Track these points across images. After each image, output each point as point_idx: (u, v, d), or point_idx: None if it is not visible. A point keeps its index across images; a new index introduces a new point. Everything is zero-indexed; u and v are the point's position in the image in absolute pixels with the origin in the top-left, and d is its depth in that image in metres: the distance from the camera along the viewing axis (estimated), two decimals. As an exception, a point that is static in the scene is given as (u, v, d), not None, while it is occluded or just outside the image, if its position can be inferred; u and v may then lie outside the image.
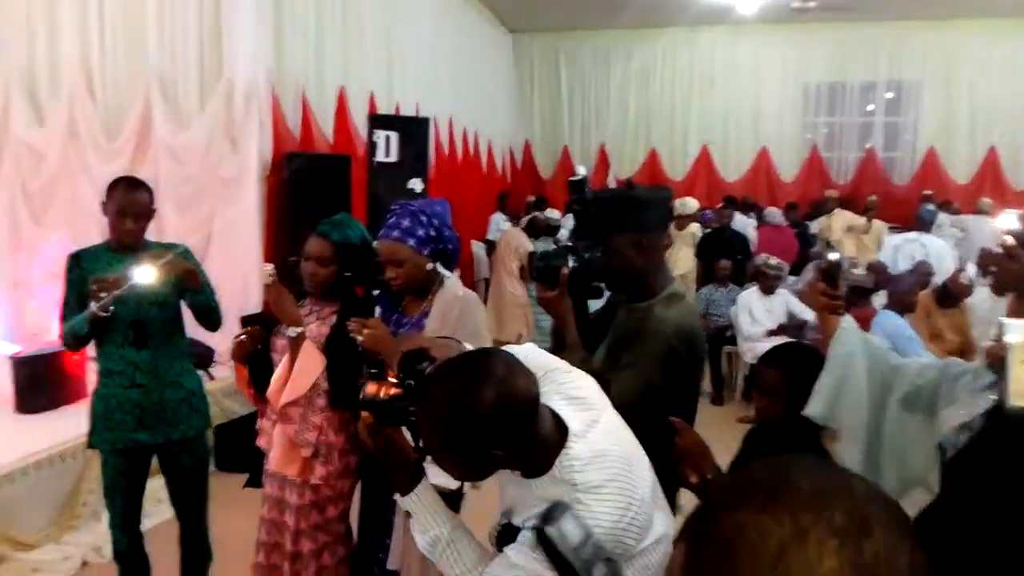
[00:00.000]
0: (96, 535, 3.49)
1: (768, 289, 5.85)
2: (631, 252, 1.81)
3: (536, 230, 6.95)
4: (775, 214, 8.50)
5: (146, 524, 2.82)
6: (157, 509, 3.39)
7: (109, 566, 3.28)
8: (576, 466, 1.26)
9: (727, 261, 6.55)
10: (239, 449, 4.25)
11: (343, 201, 5.32)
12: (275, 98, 5.20)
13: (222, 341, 4.24)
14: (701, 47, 11.75)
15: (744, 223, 8.38)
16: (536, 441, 1.26)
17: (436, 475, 1.40)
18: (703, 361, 1.93)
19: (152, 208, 2.64)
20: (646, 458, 1.40)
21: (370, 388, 1.36)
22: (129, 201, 2.55)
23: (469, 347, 1.54)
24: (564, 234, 6.95)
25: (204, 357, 4.80)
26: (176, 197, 5.29)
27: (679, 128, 12.06)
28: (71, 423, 3.99)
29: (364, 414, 1.38)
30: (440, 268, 2.28)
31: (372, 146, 5.76)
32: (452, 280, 2.27)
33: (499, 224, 9.22)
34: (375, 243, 2.36)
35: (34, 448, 3.58)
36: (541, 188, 11.53)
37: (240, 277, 5.03)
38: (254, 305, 5.10)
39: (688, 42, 11.75)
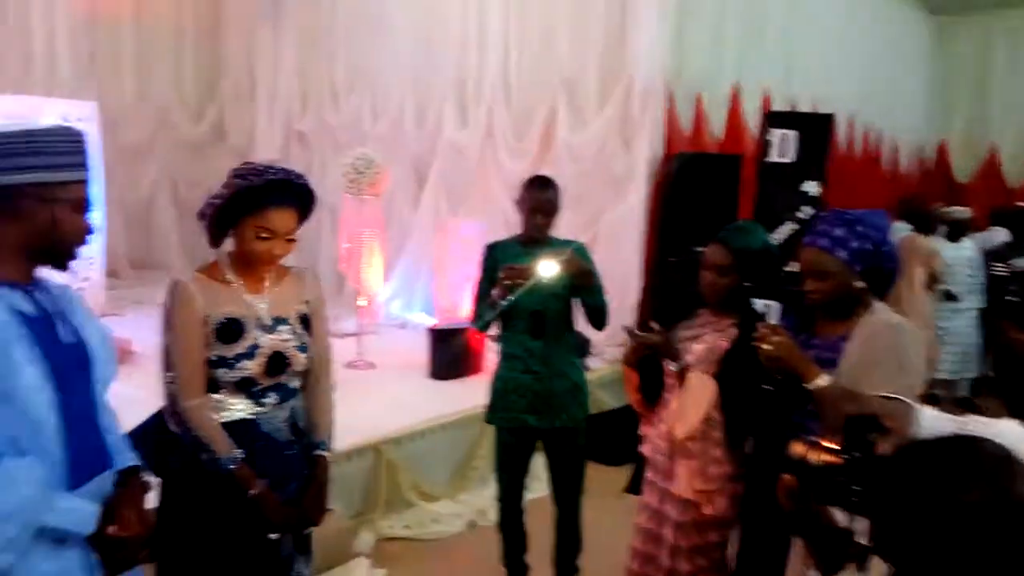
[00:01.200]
0: (482, 500, 3.84)
1: None
2: None
3: (928, 223, 5.64)
4: None
5: (527, 496, 2.97)
6: (539, 485, 3.60)
7: (492, 530, 3.59)
8: None
9: None
10: (608, 442, 4.35)
11: (731, 203, 5.11)
12: (670, 96, 5.20)
13: (597, 332, 4.38)
14: None
15: None
16: None
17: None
18: None
19: (559, 205, 2.76)
20: None
21: (798, 448, 1.17)
22: (540, 199, 2.69)
23: (926, 418, 1.25)
24: (969, 245, 5.65)
25: (580, 348, 5.02)
26: (570, 194, 5.62)
27: None
28: (471, 393, 4.47)
29: (787, 476, 1.20)
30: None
31: (765, 145, 5.44)
32: (880, 304, 1.94)
33: (900, 233, 8.11)
34: (770, 246, 2.16)
35: (441, 411, 4.07)
36: (956, 195, 9.88)
37: (622, 275, 5.15)
38: (632, 304, 5.20)
39: None
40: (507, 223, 6.00)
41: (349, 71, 6.98)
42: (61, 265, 1.46)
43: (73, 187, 1.42)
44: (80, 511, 1.39)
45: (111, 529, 1.43)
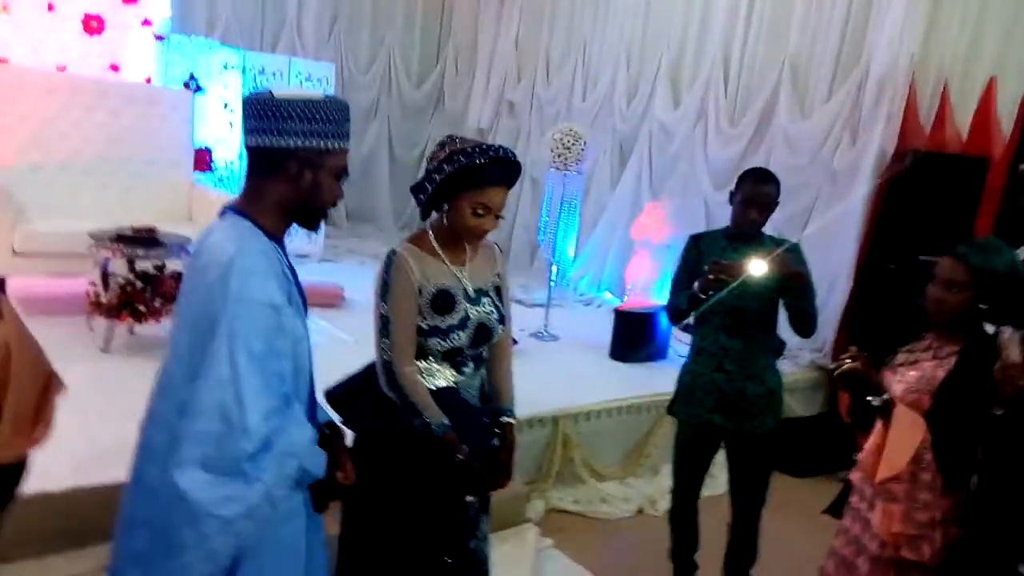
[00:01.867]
0: (652, 488, 3.80)
1: None
2: None
3: None
4: None
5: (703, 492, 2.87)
6: (715, 482, 3.45)
7: (659, 520, 3.53)
8: None
9: None
10: (792, 451, 4.11)
11: (968, 211, 4.58)
12: (912, 88, 4.71)
13: (792, 336, 4.14)
14: None
15: None
16: None
17: None
18: None
19: (776, 201, 2.60)
20: None
21: None
22: (757, 192, 2.55)
23: None
24: None
25: (775, 349, 4.77)
26: (781, 187, 5.31)
27: None
28: (651, 379, 4.41)
29: None
30: None
31: (1018, 149, 4.78)
32: None
33: None
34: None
35: (619, 393, 4.05)
36: None
37: (829, 278, 4.81)
38: (837, 310, 4.83)
39: None
40: (707, 211, 5.80)
41: (565, 44, 7.01)
42: (312, 225, 1.58)
43: (337, 155, 1.52)
44: (320, 456, 1.51)
45: (339, 476, 1.56)
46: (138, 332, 3.92)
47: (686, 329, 4.08)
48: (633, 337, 4.71)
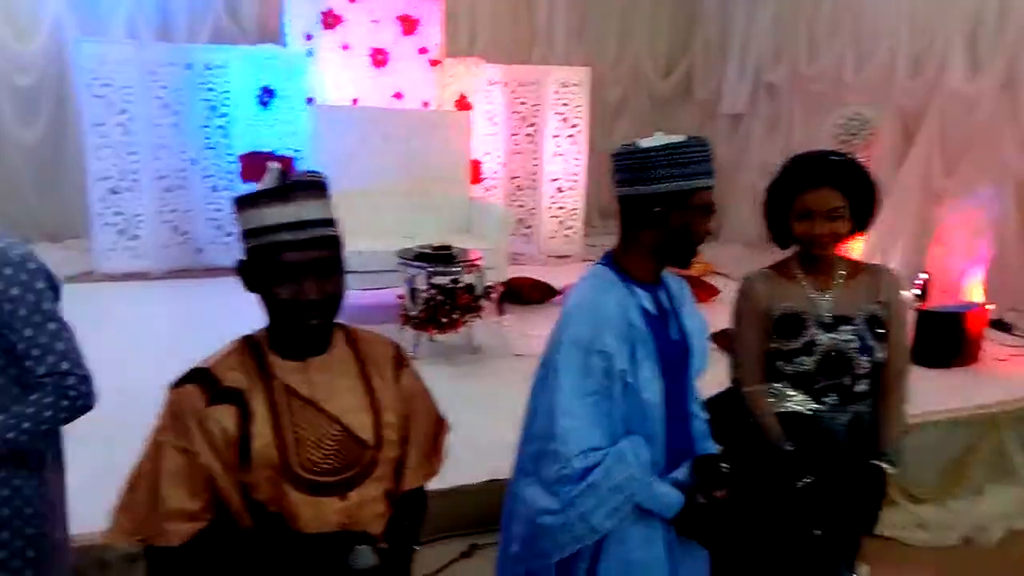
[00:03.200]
0: (978, 513, 3.39)
1: None
2: None
3: None
4: None
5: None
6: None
7: (994, 553, 3.16)
8: None
9: None
10: None
11: None
12: None
13: None
14: None
15: None
16: None
17: None
18: None
19: None
20: None
21: None
22: None
23: None
24: None
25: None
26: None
27: None
28: (965, 387, 3.94)
29: None
30: None
31: None
32: None
33: None
34: None
35: (931, 405, 3.64)
36: None
37: None
38: None
39: None
40: (1016, 185, 5.04)
41: (831, 15, 6.48)
42: (685, 263, 1.61)
43: (704, 193, 1.54)
44: (668, 497, 1.55)
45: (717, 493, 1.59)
46: (437, 339, 4.29)
47: None
48: (941, 339, 4.23)
